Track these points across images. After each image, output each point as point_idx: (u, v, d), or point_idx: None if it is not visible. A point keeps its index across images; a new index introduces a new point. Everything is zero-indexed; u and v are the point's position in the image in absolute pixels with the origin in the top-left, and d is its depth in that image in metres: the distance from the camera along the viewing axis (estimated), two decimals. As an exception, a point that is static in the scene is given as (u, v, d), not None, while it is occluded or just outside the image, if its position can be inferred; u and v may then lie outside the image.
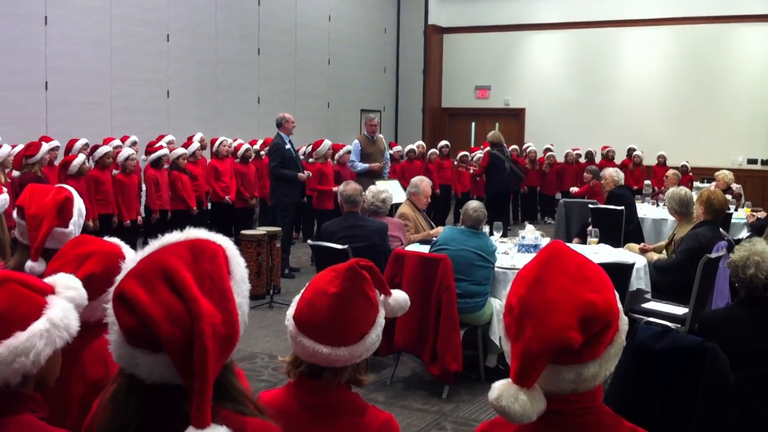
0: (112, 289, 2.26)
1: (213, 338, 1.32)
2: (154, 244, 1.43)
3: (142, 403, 1.39)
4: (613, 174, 8.93)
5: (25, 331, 1.56)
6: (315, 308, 1.92)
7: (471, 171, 13.34)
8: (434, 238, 5.94)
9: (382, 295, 2.04)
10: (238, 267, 1.48)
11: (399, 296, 2.08)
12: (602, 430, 1.58)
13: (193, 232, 1.46)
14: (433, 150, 13.55)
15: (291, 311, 1.98)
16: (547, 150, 15.12)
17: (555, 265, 1.58)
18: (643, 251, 6.63)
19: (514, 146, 14.95)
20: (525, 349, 1.50)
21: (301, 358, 1.94)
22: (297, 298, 2.02)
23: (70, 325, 1.66)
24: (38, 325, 1.59)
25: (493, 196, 11.97)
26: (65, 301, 1.68)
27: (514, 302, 1.58)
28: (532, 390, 1.50)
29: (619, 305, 1.60)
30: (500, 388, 1.51)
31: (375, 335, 1.95)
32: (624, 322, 1.61)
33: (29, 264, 2.79)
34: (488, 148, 12.34)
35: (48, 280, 1.73)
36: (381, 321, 1.99)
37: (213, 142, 10.87)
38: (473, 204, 5.70)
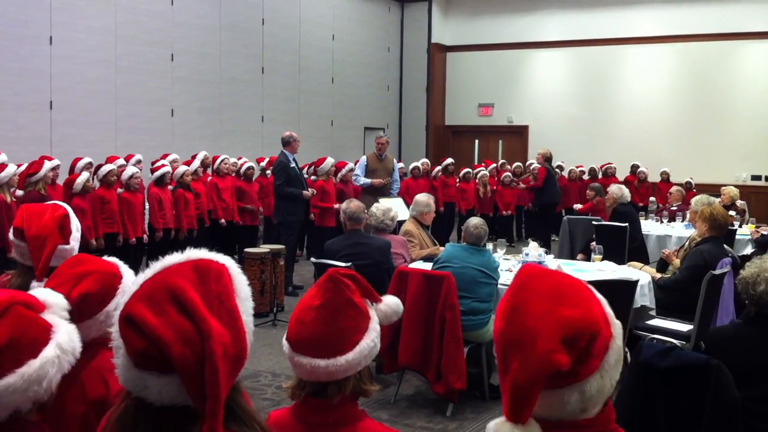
0: (108, 309, 2.27)
1: (223, 358, 1.32)
2: (156, 266, 1.42)
3: (151, 427, 1.37)
4: (616, 191, 8.92)
5: (37, 358, 1.56)
6: (304, 325, 1.91)
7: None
8: (438, 256, 5.93)
9: (374, 303, 2.02)
10: (243, 285, 1.47)
11: (390, 301, 2.05)
12: None
13: (194, 253, 1.45)
14: (438, 168, 13.61)
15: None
16: (557, 167, 15.14)
17: (527, 291, 1.53)
18: (668, 258, 6.66)
19: (518, 163, 15.00)
20: (513, 383, 1.45)
21: (303, 378, 1.93)
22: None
23: (76, 348, 1.66)
24: (49, 352, 1.58)
25: (545, 208, 13.06)
26: (67, 322, 1.68)
27: (496, 337, 1.53)
28: (527, 425, 1.44)
29: (607, 310, 1.54)
30: (495, 428, 1.46)
31: (370, 341, 1.92)
32: (617, 326, 1.54)
33: (35, 284, 2.78)
34: (543, 162, 13.26)
35: (35, 294, 1.72)
36: (375, 327, 1.96)
37: (215, 159, 10.92)
38: (474, 221, 5.69)
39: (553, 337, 1.45)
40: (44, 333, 1.62)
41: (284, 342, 1.96)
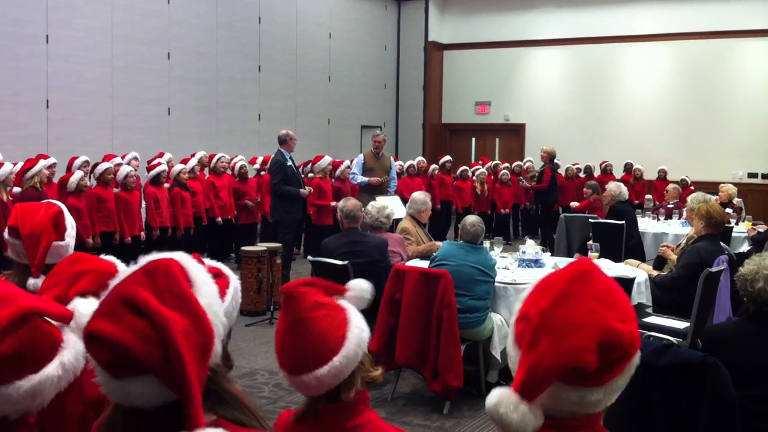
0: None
1: (186, 344, 1.33)
2: (114, 282, 1.44)
3: (151, 428, 1.38)
4: (614, 189, 8.92)
5: (37, 374, 1.56)
6: (286, 350, 1.90)
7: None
8: (434, 254, 5.94)
9: (343, 295, 2.00)
10: (196, 272, 1.47)
11: (354, 285, 2.02)
12: None
13: (144, 259, 1.46)
14: (434, 166, 13.62)
15: None
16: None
17: (584, 285, 1.53)
18: (665, 253, 6.69)
19: (517, 162, 14.99)
20: (536, 362, 1.45)
21: (312, 395, 1.91)
22: None
23: (78, 368, 1.66)
24: (51, 370, 1.58)
25: (549, 207, 12.98)
26: (79, 340, 1.67)
27: (534, 312, 1.52)
28: (532, 404, 1.44)
29: (640, 336, 1.56)
30: (500, 395, 1.45)
31: (355, 328, 1.90)
32: (638, 355, 1.56)
33: (31, 281, 2.78)
34: (548, 162, 13.14)
35: (71, 306, 1.73)
36: (353, 314, 1.94)
37: (212, 158, 10.92)
38: (471, 218, 5.69)
39: (593, 337, 1.45)
40: (52, 350, 1.62)
41: (281, 371, 1.95)
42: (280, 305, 1.97)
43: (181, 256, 1.49)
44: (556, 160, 14.96)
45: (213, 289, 1.48)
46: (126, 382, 1.35)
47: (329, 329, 1.89)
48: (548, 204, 13.19)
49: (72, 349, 1.65)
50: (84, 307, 1.74)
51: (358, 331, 1.90)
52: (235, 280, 1.82)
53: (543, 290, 1.56)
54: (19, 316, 1.59)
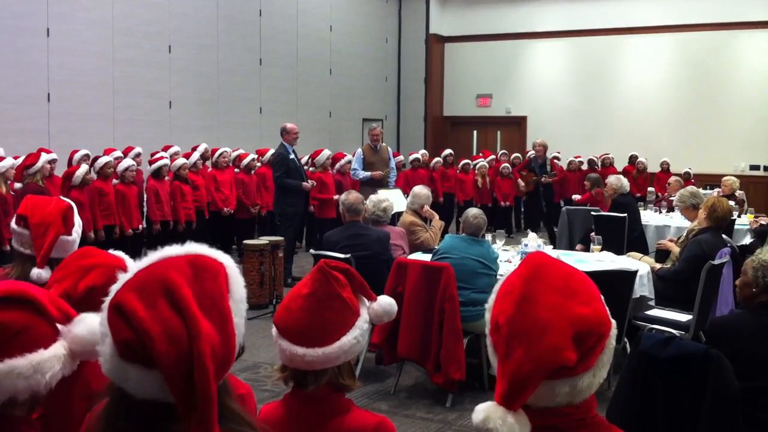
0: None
1: (212, 359, 1.29)
2: (153, 257, 1.39)
3: (134, 422, 1.35)
4: (615, 182, 8.91)
5: (47, 350, 1.56)
6: (290, 311, 1.94)
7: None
8: (436, 247, 5.93)
9: (368, 302, 2.03)
10: (238, 287, 1.44)
11: (384, 301, 2.06)
12: None
13: (194, 247, 1.42)
14: (437, 159, 13.61)
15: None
16: (555, 158, 15.12)
17: (541, 281, 1.52)
18: (665, 245, 6.69)
19: (517, 154, 14.99)
20: (515, 371, 1.44)
21: (284, 363, 1.97)
22: None
23: (65, 370, 1.64)
24: (58, 349, 1.58)
25: (551, 201, 13.00)
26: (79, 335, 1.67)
27: (501, 321, 1.51)
28: (518, 413, 1.44)
29: (606, 308, 1.56)
30: (486, 410, 1.44)
31: (353, 338, 1.93)
32: (612, 326, 1.55)
33: (36, 271, 2.79)
34: (545, 154, 13.18)
35: (77, 320, 1.71)
36: (361, 325, 1.96)
37: (214, 152, 10.92)
38: (473, 211, 5.68)
39: (565, 333, 1.45)
40: (53, 333, 1.62)
41: (273, 325, 2.00)
42: (312, 271, 2.01)
43: (229, 262, 1.45)
44: (557, 153, 14.99)
45: (244, 308, 1.45)
46: (130, 366, 1.31)
47: (332, 323, 1.92)
48: (548, 197, 13.24)
49: (71, 338, 1.64)
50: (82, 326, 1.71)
51: (354, 341, 1.94)
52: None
53: (505, 296, 1.55)
54: (19, 296, 1.59)
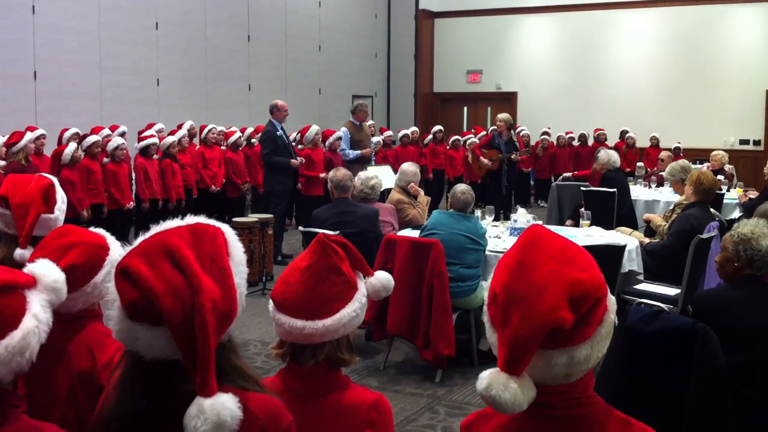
0: (95, 281, 2.26)
1: (213, 312, 1.38)
2: (156, 228, 1.50)
3: (147, 384, 1.43)
4: (603, 157, 8.91)
5: (18, 329, 1.54)
6: (288, 284, 1.94)
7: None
8: (424, 223, 5.93)
9: (365, 276, 2.03)
10: (237, 250, 1.56)
11: (382, 276, 2.07)
12: (593, 422, 1.54)
13: (193, 219, 1.54)
14: (430, 137, 13.56)
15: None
16: (544, 133, 15.10)
17: (538, 249, 1.54)
18: (650, 219, 6.73)
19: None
20: (513, 335, 1.45)
21: (281, 338, 1.95)
22: None
23: (49, 318, 1.64)
24: (28, 322, 1.56)
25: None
26: (42, 294, 1.65)
27: (498, 289, 1.53)
28: (521, 378, 1.45)
29: (603, 279, 1.57)
30: (489, 377, 1.45)
31: (352, 311, 1.93)
32: (612, 302, 1.56)
33: (19, 251, 2.78)
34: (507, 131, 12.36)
35: (30, 269, 1.70)
36: (360, 299, 1.97)
37: (202, 129, 10.84)
38: (461, 187, 5.68)
39: (561, 294, 1.46)
40: (23, 305, 1.60)
41: (270, 300, 1.99)
42: (311, 244, 2.01)
43: (227, 228, 1.57)
44: (547, 128, 14.93)
45: (245, 271, 1.56)
46: (139, 326, 1.40)
47: (331, 296, 1.93)
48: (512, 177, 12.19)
49: (36, 303, 1.62)
50: (40, 269, 1.71)
51: (353, 314, 1.94)
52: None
53: (502, 267, 1.57)
54: None
